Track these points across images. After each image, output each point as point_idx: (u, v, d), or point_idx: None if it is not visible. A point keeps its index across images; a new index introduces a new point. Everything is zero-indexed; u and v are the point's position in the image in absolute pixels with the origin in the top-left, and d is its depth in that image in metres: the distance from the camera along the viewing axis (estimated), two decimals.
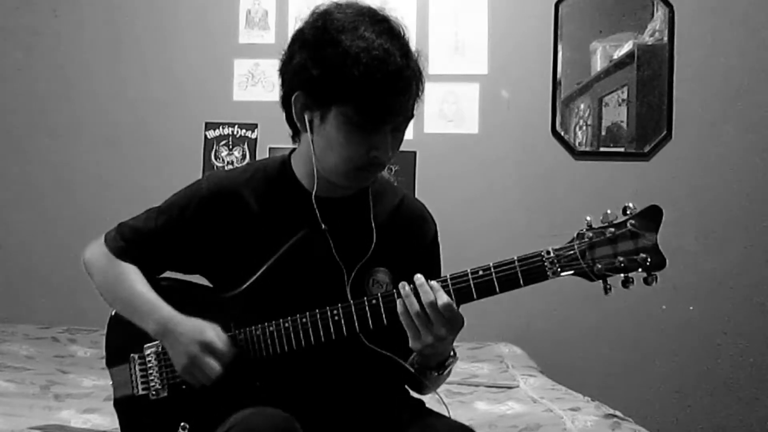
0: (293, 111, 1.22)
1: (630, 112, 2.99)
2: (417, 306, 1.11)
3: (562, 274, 1.12)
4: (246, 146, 3.15)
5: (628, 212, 1.10)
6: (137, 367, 1.30)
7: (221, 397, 1.23)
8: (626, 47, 2.99)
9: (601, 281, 1.11)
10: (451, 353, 1.24)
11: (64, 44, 3.26)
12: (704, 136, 2.97)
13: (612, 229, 1.10)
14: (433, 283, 1.13)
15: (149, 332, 1.26)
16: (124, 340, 1.33)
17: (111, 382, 1.36)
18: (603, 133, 3.01)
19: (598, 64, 3.02)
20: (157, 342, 1.29)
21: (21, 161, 3.26)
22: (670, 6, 2.97)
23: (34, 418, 1.71)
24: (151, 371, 1.29)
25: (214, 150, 3.16)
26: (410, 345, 1.15)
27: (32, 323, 2.97)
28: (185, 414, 1.26)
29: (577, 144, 3.02)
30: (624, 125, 3.00)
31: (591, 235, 1.10)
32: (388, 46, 1.15)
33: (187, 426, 1.25)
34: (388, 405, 1.31)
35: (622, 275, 1.10)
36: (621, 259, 1.09)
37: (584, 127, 3.03)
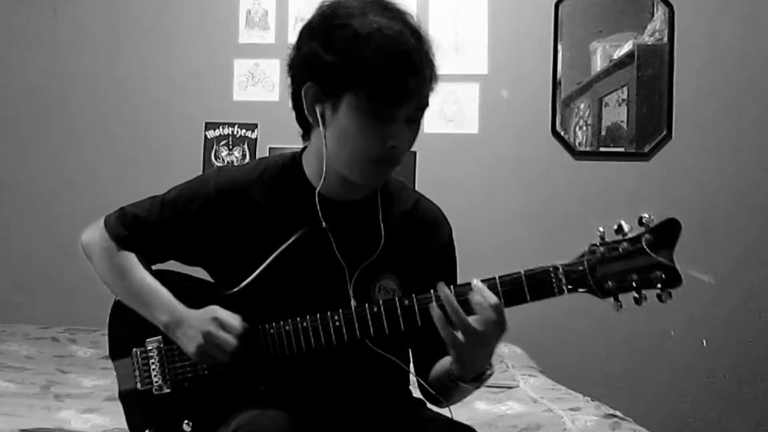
0: (304, 104, 1.19)
1: (630, 112, 2.99)
2: (461, 312, 1.06)
3: (570, 291, 1.07)
4: (246, 146, 3.15)
5: (643, 223, 1.05)
6: (140, 362, 1.29)
7: (225, 395, 1.22)
8: (626, 47, 2.99)
9: (612, 298, 1.07)
10: (488, 365, 1.17)
11: (64, 44, 3.26)
12: (704, 136, 2.97)
13: (625, 245, 1.05)
14: (477, 282, 1.08)
15: (159, 325, 1.24)
16: (126, 333, 1.31)
17: (115, 374, 1.35)
18: (603, 133, 3.01)
19: (598, 64, 3.02)
20: (158, 337, 1.28)
21: (21, 161, 3.26)
22: (670, 6, 2.97)
23: (34, 418, 1.71)
24: (153, 366, 1.28)
25: (214, 150, 3.16)
26: (451, 355, 1.11)
27: (32, 323, 2.97)
28: (188, 411, 1.26)
29: (577, 144, 3.02)
30: (624, 125, 3.00)
31: (603, 250, 1.06)
32: (400, 28, 1.13)
33: (191, 423, 1.24)
34: (390, 405, 1.31)
35: (633, 293, 1.05)
36: (633, 277, 1.05)
37: (584, 127, 3.03)
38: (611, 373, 2.93)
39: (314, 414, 1.22)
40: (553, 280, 1.08)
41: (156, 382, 1.28)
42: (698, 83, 2.97)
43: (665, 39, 2.97)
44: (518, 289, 1.09)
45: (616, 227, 1.06)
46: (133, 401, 1.32)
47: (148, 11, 3.23)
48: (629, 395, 2.77)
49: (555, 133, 3.02)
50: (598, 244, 1.07)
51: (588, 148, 3.02)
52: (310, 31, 1.18)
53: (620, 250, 1.05)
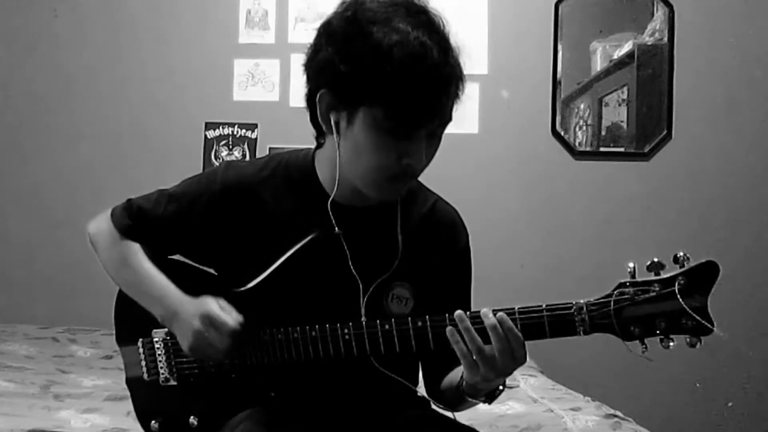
0: (318, 111, 1.13)
1: (630, 112, 2.99)
2: (479, 339, 1.03)
3: (594, 331, 1.03)
4: (246, 146, 3.15)
5: (678, 260, 1.00)
6: (146, 352, 1.28)
7: (232, 394, 1.21)
8: (626, 47, 2.99)
9: (638, 341, 1.02)
10: (502, 382, 1.15)
11: (64, 44, 3.26)
12: (704, 136, 2.97)
13: (657, 287, 1.00)
14: (502, 313, 1.04)
15: (156, 317, 1.23)
16: (132, 320, 1.29)
17: (122, 360, 1.34)
18: (603, 133, 3.01)
19: (598, 64, 3.02)
20: (165, 329, 1.25)
21: (21, 161, 3.26)
22: (670, 6, 2.96)
23: (34, 418, 1.71)
24: (159, 359, 1.26)
25: (214, 150, 3.16)
26: (465, 377, 1.09)
27: (32, 323, 2.97)
28: (195, 406, 1.24)
29: (577, 144, 3.02)
30: (624, 125, 3.00)
31: (632, 292, 1.01)
32: (425, 40, 1.03)
33: (198, 419, 1.23)
34: (394, 407, 1.29)
35: (661, 337, 1.01)
36: (662, 323, 1.00)
37: (584, 127, 3.02)
38: (611, 373, 2.93)
39: (320, 417, 1.21)
40: (577, 321, 1.03)
41: (162, 373, 1.26)
42: (698, 83, 2.97)
43: (665, 39, 2.97)
44: (538, 324, 1.04)
45: (648, 263, 1.01)
46: (140, 389, 1.31)
47: (148, 11, 3.23)
48: (629, 395, 2.77)
49: (555, 133, 3.02)
50: (627, 283, 1.02)
51: (588, 148, 3.02)
52: (328, 34, 1.10)
53: (650, 293, 1.00)
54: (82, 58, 3.25)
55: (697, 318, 0.98)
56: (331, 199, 1.18)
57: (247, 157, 3.10)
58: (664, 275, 1.01)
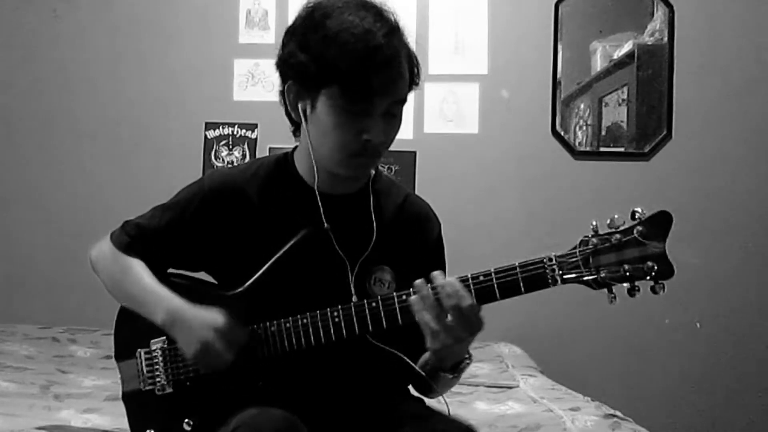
0: (287, 102, 1.25)
1: (630, 112, 2.99)
2: (438, 306, 1.10)
3: (564, 281, 1.09)
4: (246, 146, 3.15)
5: (636, 217, 1.06)
6: (144, 363, 1.30)
7: (225, 395, 1.23)
8: (626, 47, 2.99)
9: (605, 289, 1.08)
10: (467, 355, 1.23)
11: (64, 44, 3.26)
12: (704, 136, 2.97)
13: (618, 236, 1.06)
14: (455, 282, 1.10)
15: (158, 323, 1.25)
16: (131, 334, 1.32)
17: (119, 376, 1.36)
18: (603, 133, 3.01)
19: (598, 64, 3.02)
20: (163, 338, 1.28)
21: (21, 161, 3.27)
22: (670, 6, 2.97)
23: (34, 418, 1.71)
24: (157, 367, 1.29)
25: (214, 150, 3.16)
26: (427, 345, 1.13)
27: (32, 323, 2.97)
28: (190, 410, 1.26)
29: (577, 144, 3.02)
30: (624, 125, 3.00)
31: (596, 241, 1.07)
32: (370, 27, 1.15)
33: (191, 423, 1.25)
34: (389, 403, 1.31)
35: (627, 284, 1.07)
36: (626, 267, 1.06)
37: (584, 127, 3.03)
38: (611, 373, 2.93)
39: (314, 411, 1.22)
40: (547, 271, 1.09)
41: (159, 382, 1.29)
42: (698, 83, 2.97)
43: (665, 39, 2.97)
44: (513, 281, 1.11)
45: (608, 221, 1.08)
46: (135, 402, 1.33)
47: (148, 11, 3.24)
48: (629, 395, 2.77)
49: (555, 133, 3.02)
50: (590, 236, 1.09)
51: (588, 148, 3.02)
52: (291, 32, 1.23)
53: (612, 240, 1.07)
54: (82, 58, 3.25)
55: (656, 252, 1.05)
56: (316, 187, 1.26)
57: (247, 157, 3.13)
58: (623, 227, 1.08)
